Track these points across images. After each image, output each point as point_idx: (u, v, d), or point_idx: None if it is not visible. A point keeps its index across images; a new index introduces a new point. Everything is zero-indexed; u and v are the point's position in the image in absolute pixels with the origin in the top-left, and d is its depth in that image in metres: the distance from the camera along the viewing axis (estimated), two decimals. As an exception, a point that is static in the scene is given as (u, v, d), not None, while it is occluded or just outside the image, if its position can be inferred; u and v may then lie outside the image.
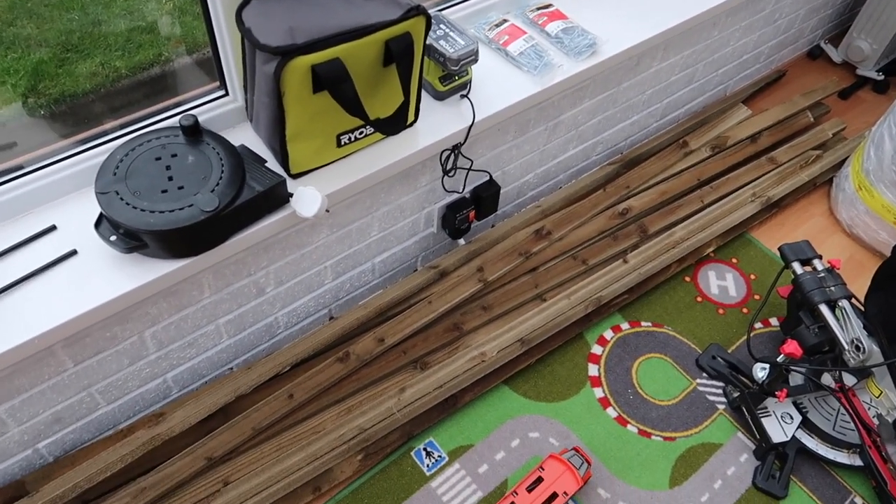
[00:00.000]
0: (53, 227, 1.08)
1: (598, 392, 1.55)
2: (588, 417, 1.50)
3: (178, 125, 1.08)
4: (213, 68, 1.22)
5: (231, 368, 1.45)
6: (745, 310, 1.72)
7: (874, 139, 1.77)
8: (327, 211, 1.16)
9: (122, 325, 1.15)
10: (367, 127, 1.16)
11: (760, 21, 1.97)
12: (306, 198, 1.11)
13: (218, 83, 1.22)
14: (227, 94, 1.21)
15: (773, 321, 1.71)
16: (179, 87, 1.65)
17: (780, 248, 1.59)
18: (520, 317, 1.54)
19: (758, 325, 1.71)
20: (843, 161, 1.95)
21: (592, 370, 1.58)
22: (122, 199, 1.01)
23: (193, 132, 1.08)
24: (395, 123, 1.13)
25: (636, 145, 1.95)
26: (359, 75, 1.04)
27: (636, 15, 1.55)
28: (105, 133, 1.17)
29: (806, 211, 1.95)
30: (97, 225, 1.04)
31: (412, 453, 1.42)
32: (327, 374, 1.38)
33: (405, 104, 1.13)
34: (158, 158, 1.07)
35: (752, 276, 1.79)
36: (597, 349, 1.62)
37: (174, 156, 1.07)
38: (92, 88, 1.60)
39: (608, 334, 1.65)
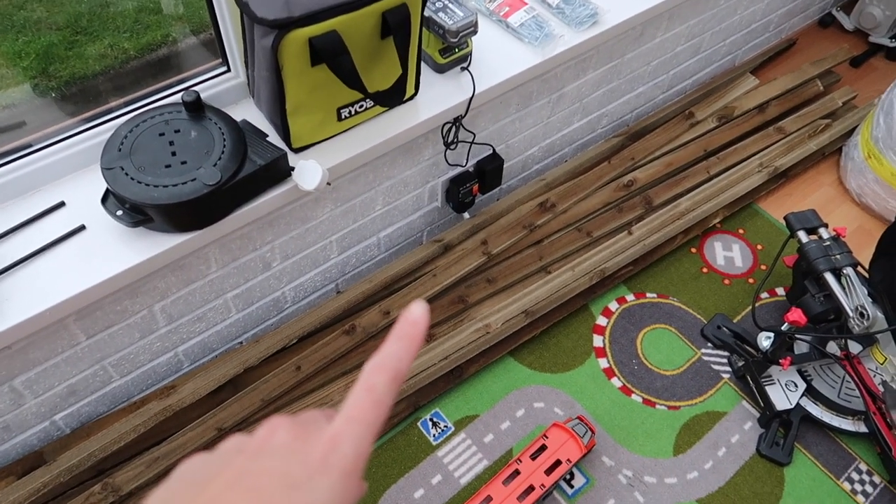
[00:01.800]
0: (62, 204, 1.11)
1: (603, 362, 1.56)
2: (593, 387, 1.52)
3: (181, 101, 1.10)
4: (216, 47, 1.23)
5: (241, 342, 1.48)
6: (751, 280, 1.72)
7: (883, 106, 1.75)
8: (329, 184, 1.17)
9: (131, 299, 1.17)
10: (367, 100, 1.16)
11: (768, -12, 1.95)
12: (307, 171, 1.13)
13: (220, 60, 1.23)
14: (228, 70, 1.23)
15: (780, 291, 1.71)
16: (185, 66, 1.66)
17: (785, 217, 1.59)
18: (524, 289, 1.55)
19: (764, 294, 1.71)
20: (853, 130, 1.93)
21: (597, 341, 1.60)
22: (126, 174, 1.03)
23: (195, 108, 1.10)
24: (394, 96, 1.14)
25: (643, 117, 1.94)
26: (356, 48, 1.05)
27: (639, -16, 1.54)
28: (110, 111, 1.19)
29: (815, 181, 1.93)
30: (104, 200, 1.06)
31: (419, 423, 1.45)
32: (334, 346, 1.40)
33: (403, 76, 1.13)
34: (162, 134, 1.08)
35: (759, 247, 1.78)
36: (601, 320, 1.63)
37: (177, 131, 1.09)
38: (101, 70, 1.62)
39: (613, 306, 1.66)
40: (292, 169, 1.14)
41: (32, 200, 1.11)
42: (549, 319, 1.57)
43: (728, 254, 1.77)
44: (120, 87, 1.65)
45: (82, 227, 1.08)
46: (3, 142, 1.14)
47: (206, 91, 1.21)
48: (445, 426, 1.45)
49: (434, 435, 1.43)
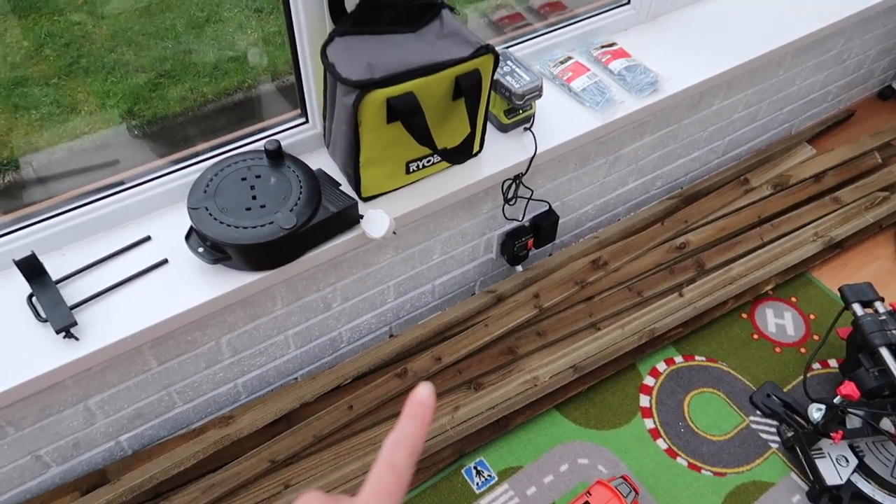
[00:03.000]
0: (148, 238, 1.19)
1: (649, 423, 1.56)
2: (638, 447, 1.52)
3: (263, 149, 1.18)
4: (289, 95, 1.32)
5: (296, 378, 1.54)
6: (802, 349, 1.71)
7: (944, 183, 1.75)
8: (394, 233, 1.23)
9: (202, 331, 1.24)
10: (435, 156, 1.23)
11: (829, 61, 1.98)
12: (375, 220, 1.19)
13: (299, 111, 1.32)
14: (307, 121, 1.31)
15: (832, 362, 1.69)
16: (259, 111, 1.78)
17: (840, 289, 1.58)
18: (573, 344, 1.58)
19: (815, 365, 1.69)
20: (912, 203, 1.92)
21: (644, 401, 1.60)
22: (210, 214, 1.11)
23: (276, 156, 1.18)
24: (462, 153, 1.21)
25: (697, 181, 1.97)
26: (429, 108, 1.12)
27: (699, 54, 1.59)
28: (197, 154, 1.29)
29: (871, 252, 1.92)
30: (187, 237, 1.14)
31: (463, 471, 1.47)
32: (386, 388, 1.44)
33: (471, 135, 1.20)
34: (244, 179, 1.17)
35: (812, 316, 1.77)
36: (649, 380, 1.64)
37: (258, 177, 1.17)
38: (181, 111, 1.73)
39: (661, 366, 1.66)
40: (361, 217, 1.21)
41: (122, 233, 1.20)
42: (597, 376, 1.59)
43: (780, 321, 1.76)
44: (201, 129, 1.77)
45: (165, 261, 1.16)
46: (99, 178, 1.24)
47: (285, 140, 1.30)
48: (489, 475, 1.47)
49: (478, 483, 1.45)
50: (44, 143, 1.55)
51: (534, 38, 1.54)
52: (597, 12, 1.60)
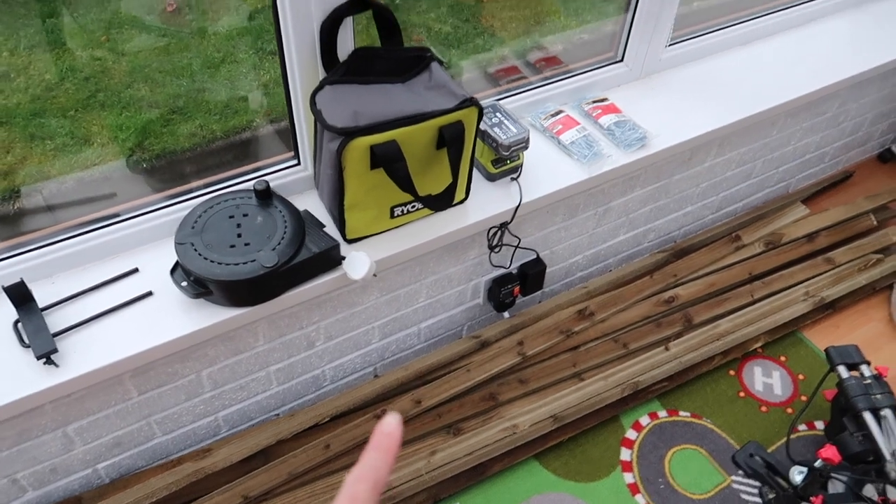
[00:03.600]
0: (136, 270, 1.23)
1: (629, 477, 1.55)
2: (616, 502, 1.51)
3: (252, 189, 1.22)
4: (289, 137, 1.37)
5: (278, 414, 1.55)
6: (789, 409, 1.70)
7: (936, 248, 1.75)
8: (375, 275, 1.26)
9: (182, 363, 1.27)
10: (418, 202, 1.26)
11: (823, 123, 2.00)
12: (357, 261, 1.22)
13: (292, 153, 1.36)
14: (299, 163, 1.36)
15: (819, 424, 1.68)
16: (261, 152, 1.82)
17: (826, 350, 1.58)
18: (555, 393, 1.58)
19: (802, 426, 1.67)
20: (906, 267, 1.92)
21: (625, 454, 1.59)
22: (195, 250, 1.14)
23: (264, 196, 1.22)
24: (442, 201, 1.24)
25: (691, 235, 1.99)
26: (413, 156, 1.16)
27: (689, 112, 1.62)
28: (191, 190, 1.33)
29: (864, 314, 1.91)
30: (172, 271, 1.17)
31: (437, 516, 1.46)
32: (364, 428, 1.45)
33: (453, 184, 1.23)
34: (232, 217, 1.20)
35: (801, 377, 1.76)
36: (631, 434, 1.63)
37: (245, 215, 1.21)
38: (189, 147, 1.79)
39: (644, 420, 1.65)
40: (343, 258, 1.23)
41: (112, 264, 1.24)
42: (578, 427, 1.58)
43: (767, 380, 1.75)
44: (205, 166, 1.82)
45: (150, 293, 1.19)
46: (95, 209, 1.28)
47: (277, 180, 1.34)
48: (463, 522, 1.46)
49: (451, 530, 1.45)
50: (54, 173, 1.61)
51: (528, 90, 1.59)
52: (591, 68, 1.64)
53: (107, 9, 1.83)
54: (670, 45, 1.69)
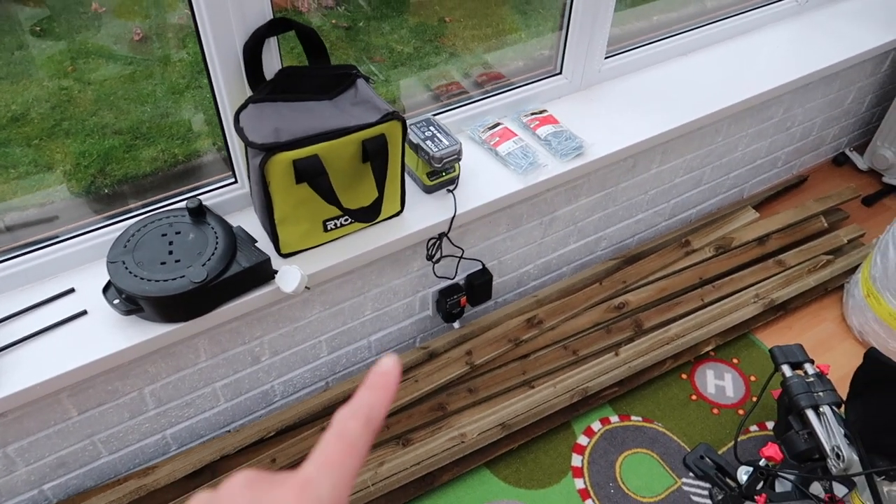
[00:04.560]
0: (72, 290, 1.25)
1: (580, 483, 1.56)
2: (565, 507, 1.52)
3: (185, 207, 1.25)
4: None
5: (228, 431, 1.56)
6: (740, 411, 1.71)
7: (881, 246, 1.77)
8: (307, 288, 1.28)
9: (122, 381, 1.29)
10: (347, 215, 1.29)
11: (771, 128, 2.04)
12: (288, 275, 1.24)
13: (230, 172, 1.39)
14: (235, 181, 1.39)
15: (770, 424, 1.69)
16: (206, 174, 1.85)
17: (770, 350, 1.59)
18: (505, 402, 1.59)
19: (754, 427, 1.68)
20: (856, 267, 1.94)
21: (576, 460, 1.60)
22: (126, 268, 1.17)
23: (197, 213, 1.25)
24: (369, 213, 1.26)
25: (645, 242, 2.01)
26: (337, 170, 1.19)
27: (627, 121, 1.65)
28: (129, 210, 1.36)
29: (817, 315, 1.93)
30: (105, 290, 1.20)
31: (386, 527, 1.47)
32: (311, 441, 1.46)
33: (380, 197, 1.26)
34: (164, 234, 1.23)
35: (752, 378, 1.78)
36: (583, 440, 1.64)
37: (178, 233, 1.23)
38: (150, 172, 1.82)
39: (596, 426, 1.67)
40: (276, 272, 1.26)
41: (49, 285, 1.26)
42: (529, 434, 1.60)
43: (720, 382, 1.77)
44: (162, 190, 1.84)
45: (84, 312, 1.22)
46: (35, 233, 1.31)
47: (215, 198, 1.37)
48: (412, 533, 1.46)
49: (399, 541, 1.45)
50: (15, 201, 1.63)
51: (468, 104, 1.62)
52: (530, 81, 1.68)
53: (75, 39, 1.88)
54: (608, 56, 1.73)
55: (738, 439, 1.54)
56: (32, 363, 1.15)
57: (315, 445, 0.30)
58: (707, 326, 1.77)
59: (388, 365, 0.33)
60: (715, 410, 1.71)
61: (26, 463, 1.29)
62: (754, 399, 1.73)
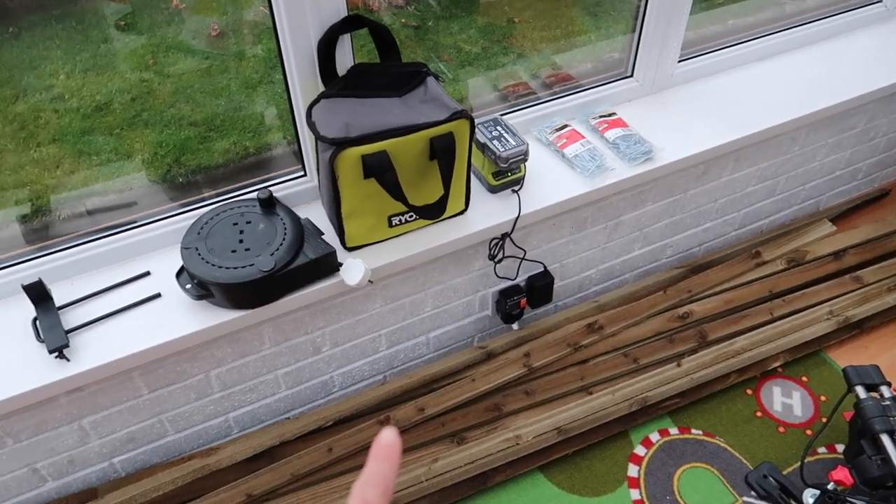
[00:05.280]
0: (148, 273, 1.31)
1: (635, 494, 1.53)
2: (619, 517, 1.49)
3: (256, 198, 1.28)
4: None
5: (288, 418, 1.60)
6: (808, 431, 1.64)
7: (969, 267, 1.67)
8: (371, 282, 1.30)
9: (190, 363, 1.33)
10: (412, 211, 1.30)
11: (852, 139, 1.95)
12: (353, 268, 1.26)
13: (299, 165, 1.43)
14: (305, 174, 1.42)
15: (840, 447, 1.61)
16: (277, 166, 1.90)
17: (844, 370, 1.53)
18: (561, 406, 1.58)
19: (822, 449, 1.62)
20: (941, 287, 1.84)
21: (632, 470, 1.57)
22: (199, 254, 1.21)
23: (267, 204, 1.28)
24: (433, 210, 1.27)
25: (712, 252, 1.96)
26: (405, 166, 1.20)
27: (699, 126, 1.61)
28: (203, 199, 1.41)
29: (895, 335, 1.84)
30: (178, 274, 1.24)
31: (437, 524, 1.47)
32: (367, 434, 1.48)
33: (445, 195, 1.26)
34: (236, 224, 1.27)
35: (823, 398, 1.70)
36: (640, 450, 1.61)
37: (248, 222, 1.27)
38: (222, 163, 1.88)
39: (654, 436, 1.63)
40: (340, 265, 1.28)
41: (126, 268, 1.32)
42: (585, 440, 1.58)
43: (787, 400, 1.70)
44: (217, 179, 1.90)
45: (158, 295, 1.27)
46: (115, 217, 1.38)
47: (285, 190, 1.40)
48: (463, 531, 1.47)
49: (450, 538, 1.45)
50: (98, 187, 1.72)
51: (536, 104, 1.61)
52: (600, 83, 1.66)
53: (156, 34, 1.96)
54: (682, 60, 1.69)
55: (805, 460, 1.48)
56: (109, 341, 1.20)
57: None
58: (776, 341, 1.71)
59: (390, 438, 0.36)
60: (781, 429, 1.64)
61: (99, 436, 1.35)
62: (824, 420, 1.66)
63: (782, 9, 2.09)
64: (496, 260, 1.53)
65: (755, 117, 1.65)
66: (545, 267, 1.64)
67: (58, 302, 1.23)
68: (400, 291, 1.48)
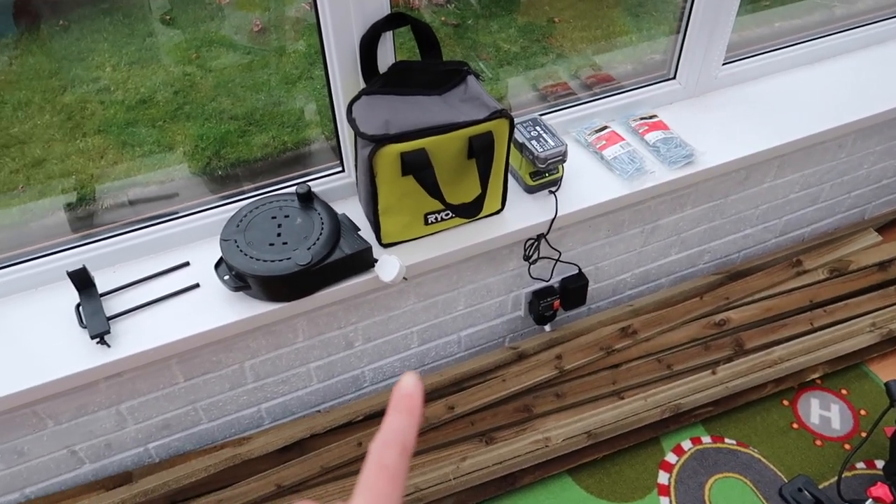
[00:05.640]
0: (187, 263, 1.33)
1: (665, 501, 1.51)
2: (648, 525, 1.47)
3: (295, 192, 1.30)
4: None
5: (318, 411, 1.61)
6: (847, 445, 1.60)
7: None
8: (405, 279, 1.30)
9: (226, 353, 1.35)
10: (448, 209, 1.30)
11: (902, 146, 1.90)
12: (388, 265, 1.27)
13: (338, 161, 1.44)
14: (343, 170, 1.43)
15: (880, 463, 1.57)
16: (316, 161, 1.92)
17: (886, 384, 1.49)
18: (592, 410, 1.56)
19: (860, 464, 1.58)
20: None
21: (662, 478, 1.55)
22: (238, 246, 1.23)
23: (305, 199, 1.29)
24: (470, 209, 1.27)
25: (751, 259, 1.92)
26: (443, 164, 1.20)
27: (745, 130, 1.58)
28: (242, 192, 1.43)
29: (942, 351, 1.78)
30: (217, 265, 1.26)
31: (464, 523, 1.47)
32: (396, 430, 1.49)
33: (482, 195, 1.26)
34: (274, 217, 1.28)
35: (863, 412, 1.66)
36: (671, 457, 1.59)
37: (286, 217, 1.28)
38: (261, 157, 1.91)
39: (686, 444, 1.61)
40: (375, 261, 1.29)
41: (167, 257, 1.35)
42: (615, 445, 1.56)
43: (825, 413, 1.66)
44: (256, 173, 1.93)
45: (197, 285, 1.29)
46: (156, 208, 1.40)
47: (323, 185, 1.41)
48: (489, 531, 1.46)
49: (476, 538, 1.45)
50: (139, 177, 1.76)
51: (576, 105, 1.60)
52: (641, 85, 1.64)
53: (200, 28, 2.00)
54: (726, 63, 1.66)
55: (843, 475, 1.44)
56: (148, 329, 1.22)
57: (359, 478, 0.31)
58: (815, 352, 1.67)
59: (410, 385, 0.33)
60: (818, 442, 1.61)
61: (136, 421, 1.38)
62: (863, 434, 1.62)
63: (832, 12, 2.04)
64: (531, 261, 1.52)
65: (801, 122, 1.61)
66: (580, 269, 1.63)
67: (100, 289, 1.26)
68: (433, 289, 1.48)
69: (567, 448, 1.51)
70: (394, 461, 0.31)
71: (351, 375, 1.57)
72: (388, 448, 0.31)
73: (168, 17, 1.92)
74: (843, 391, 1.70)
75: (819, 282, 1.80)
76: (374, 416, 1.52)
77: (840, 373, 1.73)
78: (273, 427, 1.50)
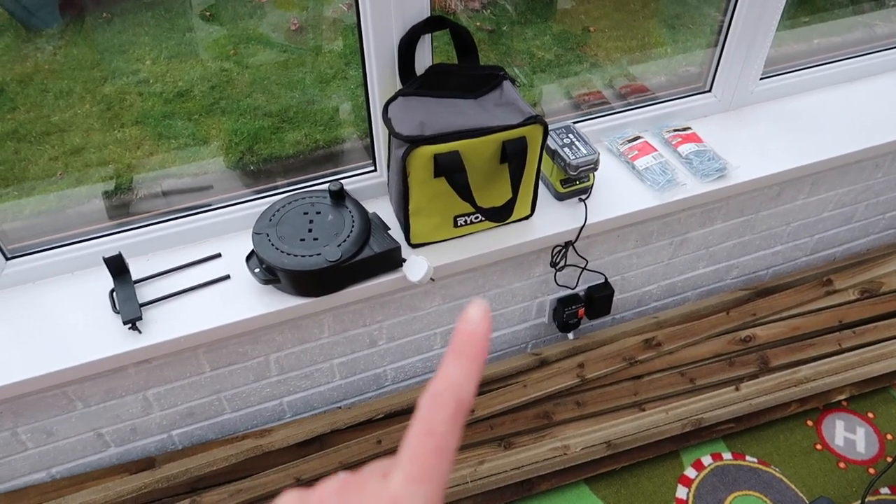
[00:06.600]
0: (219, 255, 1.35)
1: (682, 516, 1.50)
2: (664, 538, 1.46)
3: (327, 189, 1.31)
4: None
5: (339, 407, 1.63)
6: (871, 470, 1.58)
7: None
8: (432, 279, 1.31)
9: (252, 345, 1.37)
10: (479, 213, 1.31)
11: (940, 169, 1.86)
12: (416, 265, 1.28)
13: (370, 160, 1.45)
14: (375, 169, 1.44)
15: (905, 490, 1.55)
16: (348, 159, 1.94)
17: (915, 409, 1.46)
18: (613, 420, 1.56)
19: (885, 489, 1.55)
20: None
21: (681, 492, 1.54)
22: (269, 240, 1.25)
23: (337, 196, 1.31)
24: (500, 213, 1.27)
25: (780, 276, 1.90)
26: (475, 168, 1.21)
27: (780, 146, 1.57)
28: (276, 187, 1.45)
29: (973, 379, 1.75)
30: (248, 258, 1.28)
31: (479, 526, 1.48)
32: (416, 430, 1.50)
33: (513, 199, 1.26)
34: (306, 213, 1.30)
35: (889, 436, 1.64)
36: (690, 472, 1.57)
37: (318, 213, 1.30)
38: (293, 154, 1.93)
39: (706, 460, 1.59)
40: (404, 261, 1.30)
41: (199, 248, 1.37)
42: (634, 457, 1.55)
43: (850, 436, 1.64)
44: (288, 170, 1.95)
45: (227, 277, 1.31)
46: (190, 199, 1.43)
47: (355, 184, 1.43)
48: (504, 536, 1.46)
49: (491, 542, 1.45)
50: (174, 170, 1.79)
51: (609, 114, 1.60)
52: (676, 97, 1.63)
53: (238, 25, 2.03)
54: (764, 77, 1.65)
55: (867, 499, 1.42)
56: (178, 317, 1.25)
57: (402, 441, 0.27)
58: (842, 374, 1.65)
59: (476, 317, 0.27)
60: (841, 464, 1.58)
61: (161, 408, 1.40)
62: (889, 459, 1.59)
63: (872, 30, 2.01)
64: (557, 268, 1.52)
65: (837, 141, 1.59)
66: (606, 278, 1.62)
67: (134, 276, 1.28)
68: (458, 291, 1.49)
69: (585, 457, 1.50)
70: (443, 427, 0.26)
71: (373, 373, 1.58)
72: (439, 405, 0.26)
73: (208, 14, 1.95)
74: (870, 414, 1.68)
75: (849, 302, 1.78)
76: (395, 415, 1.53)
77: (867, 395, 1.70)
78: (294, 421, 1.52)
